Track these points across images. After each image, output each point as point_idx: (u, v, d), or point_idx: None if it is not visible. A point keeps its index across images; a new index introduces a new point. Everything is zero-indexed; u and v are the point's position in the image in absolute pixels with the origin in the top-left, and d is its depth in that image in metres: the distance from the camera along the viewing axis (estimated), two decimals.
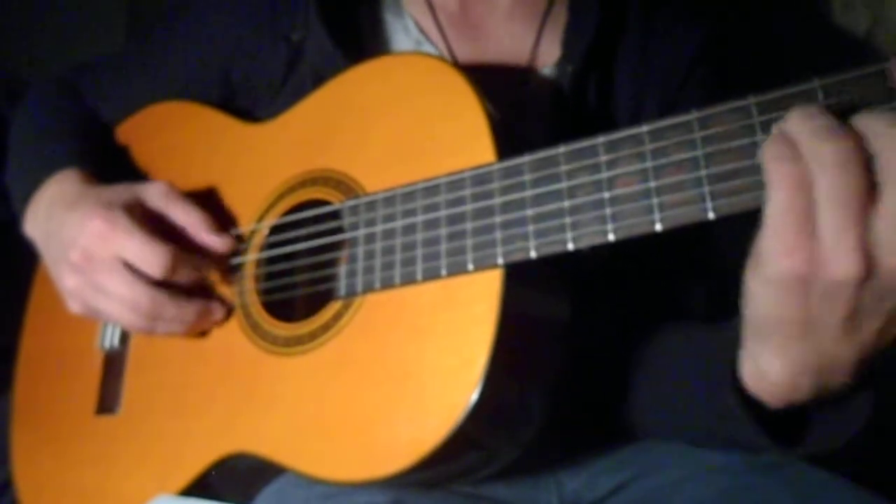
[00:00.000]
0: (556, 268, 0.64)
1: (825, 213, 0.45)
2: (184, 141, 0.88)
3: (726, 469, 0.71)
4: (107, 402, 0.83)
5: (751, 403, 0.58)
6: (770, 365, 0.54)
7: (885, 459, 1.06)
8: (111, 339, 0.84)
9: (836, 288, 0.46)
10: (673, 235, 0.56)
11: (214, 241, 0.76)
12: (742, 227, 0.52)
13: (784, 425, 0.59)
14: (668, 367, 0.72)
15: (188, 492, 0.74)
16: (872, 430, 0.57)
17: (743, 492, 0.69)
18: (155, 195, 0.77)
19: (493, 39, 0.84)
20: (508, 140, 0.65)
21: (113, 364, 0.85)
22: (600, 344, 0.74)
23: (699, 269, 0.80)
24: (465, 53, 0.83)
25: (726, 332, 0.60)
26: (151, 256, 0.72)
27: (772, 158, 0.47)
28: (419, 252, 0.65)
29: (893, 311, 0.47)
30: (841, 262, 0.45)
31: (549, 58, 0.83)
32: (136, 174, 0.89)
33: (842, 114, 0.47)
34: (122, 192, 0.78)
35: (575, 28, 0.80)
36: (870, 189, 0.45)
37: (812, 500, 0.66)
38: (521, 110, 0.80)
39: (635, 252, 0.60)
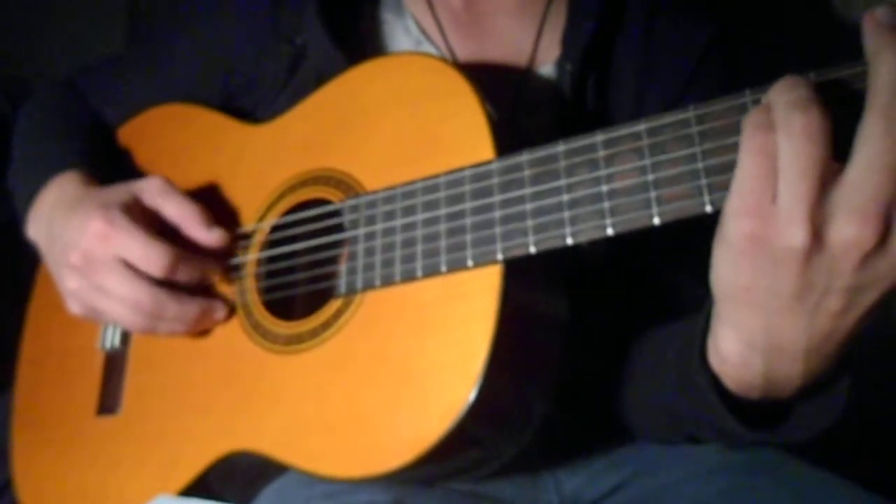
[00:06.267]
0: (556, 264, 0.64)
1: (784, 180, 0.45)
2: (185, 142, 0.88)
3: (726, 469, 0.71)
4: (108, 402, 0.83)
5: (726, 393, 0.57)
6: (723, 338, 0.54)
7: (885, 459, 1.06)
8: (112, 339, 0.85)
9: (785, 255, 0.46)
10: (673, 233, 0.56)
11: (206, 235, 0.75)
12: None
13: (760, 415, 0.58)
14: (651, 365, 0.71)
15: (189, 491, 0.74)
16: (855, 421, 0.57)
17: (742, 492, 0.69)
18: (150, 191, 0.77)
19: (494, 38, 0.84)
20: (508, 139, 0.66)
21: (114, 364, 0.85)
22: (599, 342, 0.75)
23: (700, 267, 0.80)
24: (466, 52, 0.83)
25: (698, 319, 0.60)
26: (151, 255, 0.72)
27: (748, 125, 0.48)
28: (419, 249, 0.66)
29: (846, 294, 0.47)
30: (790, 230, 0.45)
31: (549, 56, 0.83)
32: (138, 176, 0.89)
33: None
34: (119, 191, 0.78)
35: (574, 27, 0.80)
36: (833, 164, 0.45)
37: (811, 501, 0.65)
38: (522, 109, 0.81)
39: (634, 249, 0.60)
